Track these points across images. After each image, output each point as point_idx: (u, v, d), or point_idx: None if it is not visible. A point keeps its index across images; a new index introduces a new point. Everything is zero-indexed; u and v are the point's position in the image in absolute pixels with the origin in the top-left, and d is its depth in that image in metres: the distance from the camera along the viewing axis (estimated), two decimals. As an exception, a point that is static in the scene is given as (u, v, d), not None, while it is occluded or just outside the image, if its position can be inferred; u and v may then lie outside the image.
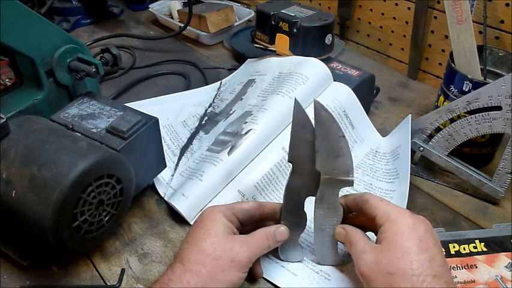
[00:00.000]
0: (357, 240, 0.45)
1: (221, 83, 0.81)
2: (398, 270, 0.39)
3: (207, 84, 0.82)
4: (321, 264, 0.51)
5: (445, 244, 0.51)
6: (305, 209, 0.50)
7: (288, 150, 0.48)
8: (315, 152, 0.47)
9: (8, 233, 0.51)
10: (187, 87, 0.82)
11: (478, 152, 0.64)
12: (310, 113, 0.63)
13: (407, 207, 0.52)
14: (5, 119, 0.47)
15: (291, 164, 0.48)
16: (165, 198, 0.59)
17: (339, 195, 0.48)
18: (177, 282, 0.42)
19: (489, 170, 0.62)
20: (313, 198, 0.49)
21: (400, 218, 0.42)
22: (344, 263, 0.51)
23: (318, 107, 0.46)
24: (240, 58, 0.89)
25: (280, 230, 0.49)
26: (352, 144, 0.66)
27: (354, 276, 0.49)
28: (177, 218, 0.57)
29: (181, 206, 0.56)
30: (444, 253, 0.48)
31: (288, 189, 0.49)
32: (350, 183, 0.47)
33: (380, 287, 0.40)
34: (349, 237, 0.46)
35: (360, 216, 0.49)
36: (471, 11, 0.66)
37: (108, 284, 0.50)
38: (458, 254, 0.51)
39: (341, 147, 0.47)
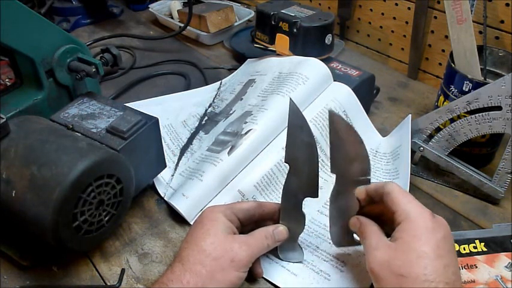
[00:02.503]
0: (371, 235, 0.44)
1: (221, 83, 0.81)
2: (411, 274, 0.38)
3: (207, 84, 0.82)
4: (336, 247, 0.51)
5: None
6: (304, 209, 0.50)
7: (287, 151, 0.48)
8: (312, 152, 0.47)
9: (8, 233, 0.51)
10: (187, 87, 0.82)
11: (478, 152, 0.64)
12: (311, 113, 0.64)
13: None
14: (5, 119, 0.47)
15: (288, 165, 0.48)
16: (165, 198, 0.59)
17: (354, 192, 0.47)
18: (177, 282, 0.42)
19: (489, 170, 0.62)
20: (312, 199, 0.49)
21: (419, 220, 0.41)
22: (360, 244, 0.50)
23: (333, 116, 0.46)
24: (240, 58, 0.89)
25: (279, 230, 0.49)
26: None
27: (354, 276, 0.49)
28: (177, 218, 0.57)
29: (181, 206, 0.56)
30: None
31: (285, 189, 0.49)
32: (367, 182, 0.47)
33: (389, 287, 0.40)
34: (363, 229, 0.45)
35: (376, 206, 0.47)
36: (471, 11, 0.66)
37: (108, 284, 0.50)
38: (458, 254, 0.51)
39: (359, 153, 0.46)
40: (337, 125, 0.46)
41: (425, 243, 0.39)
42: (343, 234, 0.49)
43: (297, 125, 0.47)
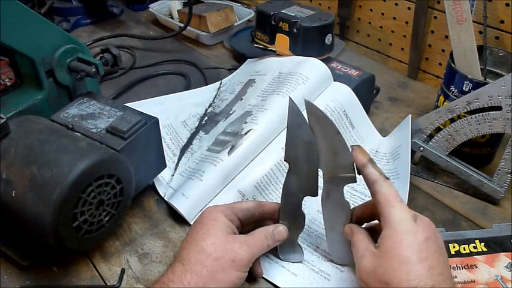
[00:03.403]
0: (358, 243, 0.44)
1: (221, 83, 0.81)
2: (394, 281, 0.39)
3: (207, 84, 0.82)
4: (338, 264, 0.51)
5: (445, 244, 0.51)
6: (303, 209, 0.50)
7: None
8: (312, 151, 0.47)
9: (8, 233, 0.51)
10: (187, 87, 0.82)
11: (478, 152, 0.64)
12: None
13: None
14: (5, 119, 0.47)
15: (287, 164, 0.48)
16: (165, 198, 0.59)
17: (344, 192, 0.48)
18: (178, 282, 0.42)
19: (489, 170, 0.62)
20: (312, 198, 0.49)
21: (400, 225, 0.41)
22: None
23: (310, 107, 0.46)
24: (240, 58, 0.89)
25: (279, 230, 0.49)
26: (352, 144, 0.66)
27: (354, 276, 0.49)
28: (177, 218, 0.57)
29: (181, 206, 0.56)
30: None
31: (285, 188, 0.49)
32: (353, 179, 0.47)
33: None
34: (352, 238, 0.46)
35: (367, 207, 0.48)
36: (471, 11, 0.66)
37: (108, 284, 0.50)
38: (458, 254, 0.51)
39: (337, 145, 0.46)
40: (316, 114, 0.46)
41: (407, 248, 0.39)
42: (341, 245, 0.49)
43: (296, 123, 0.47)
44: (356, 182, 0.47)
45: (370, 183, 0.44)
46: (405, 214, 0.42)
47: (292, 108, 0.47)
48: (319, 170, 0.48)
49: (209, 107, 0.74)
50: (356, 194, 0.59)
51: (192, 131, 0.70)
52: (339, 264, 0.51)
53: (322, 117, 0.46)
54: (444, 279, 0.39)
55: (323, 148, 0.47)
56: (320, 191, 0.48)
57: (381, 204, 0.43)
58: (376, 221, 0.48)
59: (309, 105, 0.46)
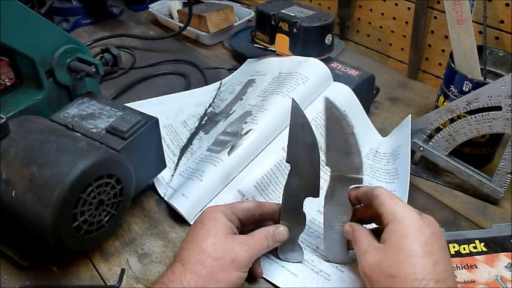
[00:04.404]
0: (361, 239, 0.44)
1: (221, 83, 0.81)
2: (400, 274, 0.39)
3: (207, 84, 0.82)
4: (331, 262, 0.51)
5: (445, 244, 0.51)
6: (304, 209, 0.50)
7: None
8: (314, 152, 0.47)
9: (8, 233, 0.51)
10: (187, 87, 0.82)
11: (478, 152, 0.64)
12: (310, 113, 0.64)
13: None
14: (5, 119, 0.47)
15: (289, 164, 0.48)
16: (165, 198, 0.59)
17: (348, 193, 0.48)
18: (177, 282, 0.42)
19: (489, 170, 0.62)
20: (312, 198, 0.49)
21: (406, 220, 0.41)
22: (354, 261, 0.50)
23: (329, 104, 0.47)
24: (240, 58, 0.89)
25: (280, 230, 0.49)
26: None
27: (354, 276, 0.49)
28: (177, 218, 0.57)
29: (181, 206, 0.56)
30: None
31: (286, 189, 0.49)
32: (359, 181, 0.47)
33: None
34: (354, 235, 0.46)
35: (369, 208, 0.48)
36: (471, 11, 0.66)
37: (108, 284, 0.50)
38: (458, 254, 0.51)
39: (351, 145, 0.47)
40: (334, 113, 0.46)
41: (413, 242, 0.40)
42: (338, 244, 0.50)
43: (299, 124, 0.47)
44: (362, 183, 0.48)
45: (368, 193, 0.46)
46: (410, 210, 0.43)
47: (295, 109, 0.47)
48: (326, 168, 0.48)
49: (209, 107, 0.74)
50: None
51: (192, 131, 0.70)
52: (333, 262, 0.51)
53: (341, 117, 0.46)
54: (448, 276, 0.39)
55: (334, 147, 0.47)
56: (323, 191, 0.48)
57: (384, 203, 0.43)
58: (375, 225, 0.48)
59: (328, 104, 0.47)
